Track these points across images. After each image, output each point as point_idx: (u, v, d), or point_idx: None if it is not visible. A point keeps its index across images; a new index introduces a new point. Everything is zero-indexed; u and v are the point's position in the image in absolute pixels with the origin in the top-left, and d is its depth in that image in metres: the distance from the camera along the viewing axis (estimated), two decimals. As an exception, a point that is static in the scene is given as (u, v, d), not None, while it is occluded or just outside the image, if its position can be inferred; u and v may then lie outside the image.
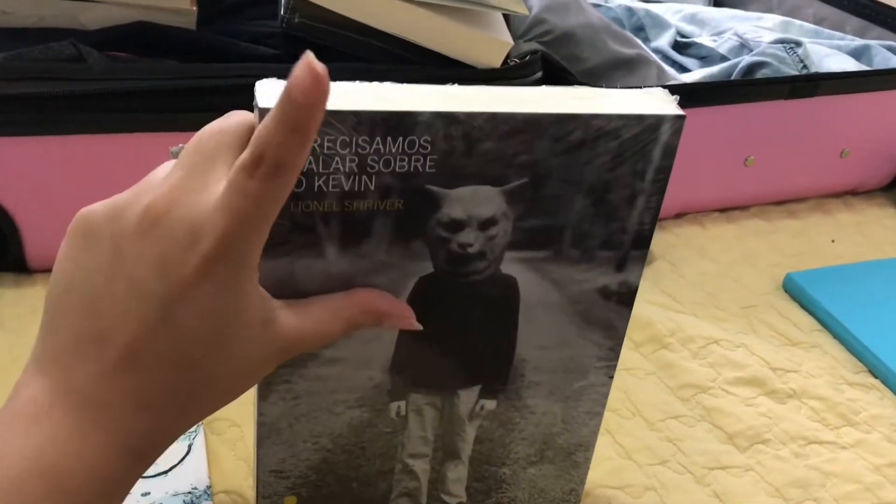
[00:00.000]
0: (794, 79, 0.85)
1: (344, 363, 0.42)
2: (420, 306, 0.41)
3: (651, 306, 0.70)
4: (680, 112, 0.39)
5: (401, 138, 0.36)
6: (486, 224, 0.40)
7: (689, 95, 0.79)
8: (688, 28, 1.06)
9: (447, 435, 0.46)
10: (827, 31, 1.03)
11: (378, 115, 0.36)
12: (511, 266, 0.41)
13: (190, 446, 0.52)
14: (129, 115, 0.63)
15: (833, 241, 0.83)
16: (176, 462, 0.51)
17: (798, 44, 0.92)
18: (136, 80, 0.63)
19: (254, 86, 0.36)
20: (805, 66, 0.90)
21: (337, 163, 0.36)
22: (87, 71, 0.64)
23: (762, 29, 1.01)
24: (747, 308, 0.72)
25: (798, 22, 1.04)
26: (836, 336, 0.69)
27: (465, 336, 0.43)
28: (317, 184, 0.37)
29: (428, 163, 0.37)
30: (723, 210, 0.86)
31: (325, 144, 0.36)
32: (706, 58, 0.99)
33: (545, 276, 0.42)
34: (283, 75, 0.33)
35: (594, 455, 0.54)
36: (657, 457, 0.56)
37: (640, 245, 0.42)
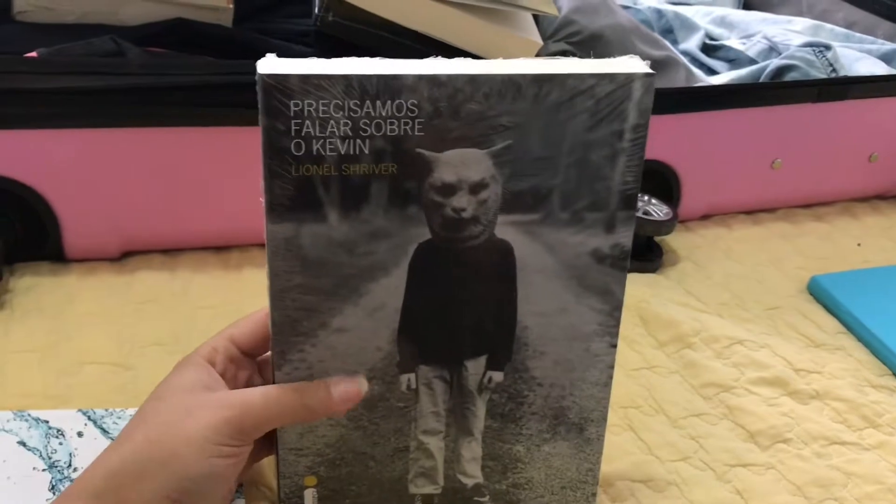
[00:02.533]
0: (822, 82, 0.86)
1: (352, 333, 0.44)
2: (420, 274, 0.43)
3: (676, 306, 0.70)
4: (649, 71, 0.41)
5: (389, 101, 0.39)
6: (477, 188, 0.42)
7: (717, 97, 0.81)
8: (717, 30, 1.07)
9: (458, 410, 0.47)
10: (858, 34, 1.03)
11: (366, 78, 0.39)
12: (505, 230, 0.43)
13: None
14: (165, 108, 0.64)
15: (859, 244, 0.83)
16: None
17: (827, 47, 0.92)
18: (174, 76, 0.65)
19: None
20: (834, 70, 0.90)
21: (332, 126, 0.39)
22: (125, 66, 0.65)
23: (792, 32, 1.01)
24: (772, 310, 0.73)
25: (829, 25, 1.04)
26: (860, 339, 0.70)
27: (466, 304, 0.45)
28: (315, 147, 0.40)
29: (416, 126, 0.40)
30: (749, 212, 0.86)
31: (320, 108, 0.39)
32: (735, 60, 0.99)
33: (538, 240, 0.44)
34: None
35: (617, 450, 0.55)
36: (679, 453, 0.57)
37: (627, 206, 0.44)
